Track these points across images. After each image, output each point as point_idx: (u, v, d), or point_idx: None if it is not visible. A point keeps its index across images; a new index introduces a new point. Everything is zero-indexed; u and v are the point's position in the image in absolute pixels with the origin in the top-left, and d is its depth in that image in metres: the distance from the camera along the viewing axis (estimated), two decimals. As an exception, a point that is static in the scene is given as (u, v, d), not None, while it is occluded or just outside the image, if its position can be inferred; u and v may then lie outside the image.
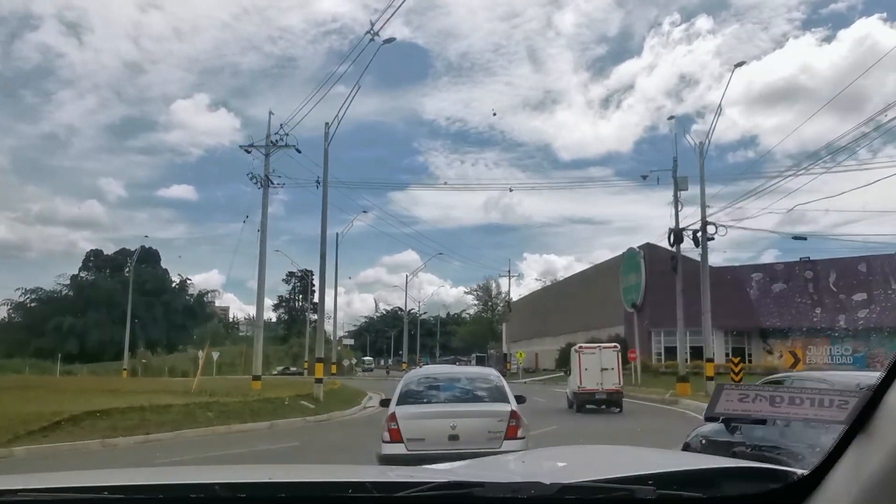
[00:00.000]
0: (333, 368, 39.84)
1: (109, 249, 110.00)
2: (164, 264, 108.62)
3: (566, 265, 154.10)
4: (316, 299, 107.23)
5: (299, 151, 26.49)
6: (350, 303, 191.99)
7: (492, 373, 9.56)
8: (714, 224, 24.81)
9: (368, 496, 1.54)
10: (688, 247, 30.78)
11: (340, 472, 1.99)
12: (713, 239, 24.96)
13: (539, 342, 74.33)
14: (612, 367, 24.69)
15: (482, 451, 6.30)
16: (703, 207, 26.00)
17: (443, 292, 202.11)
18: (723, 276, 46.54)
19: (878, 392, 1.20)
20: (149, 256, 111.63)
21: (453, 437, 7.57)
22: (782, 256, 59.90)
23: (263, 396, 21.27)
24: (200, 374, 25.10)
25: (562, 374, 61.49)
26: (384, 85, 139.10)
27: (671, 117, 28.41)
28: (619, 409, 24.05)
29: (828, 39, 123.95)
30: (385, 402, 9.30)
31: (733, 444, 6.08)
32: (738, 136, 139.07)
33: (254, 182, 26.58)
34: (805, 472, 1.38)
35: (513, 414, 7.84)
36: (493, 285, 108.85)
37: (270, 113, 26.92)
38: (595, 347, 26.60)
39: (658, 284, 49.49)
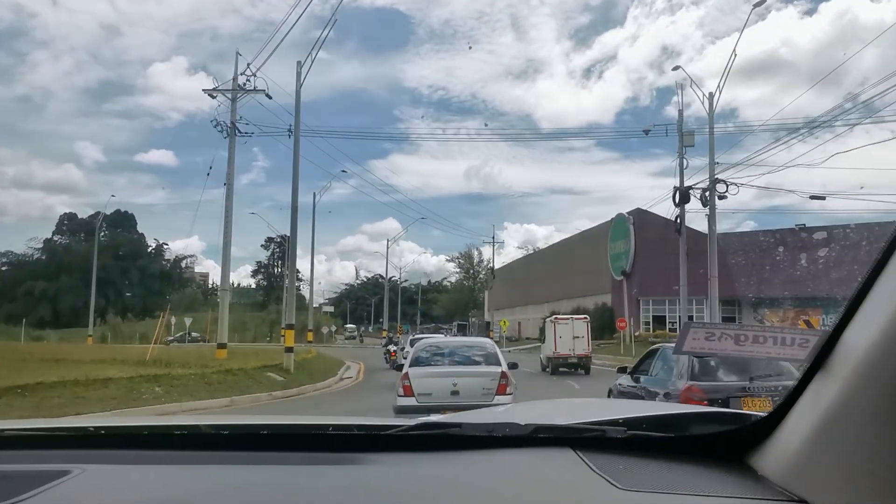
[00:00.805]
0: (310, 336, 37.31)
1: (87, 214, 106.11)
2: (142, 230, 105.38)
3: (546, 235, 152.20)
4: (298, 266, 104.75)
5: (269, 97, 23.60)
6: (331, 270, 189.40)
7: (487, 342, 11.32)
8: (725, 182, 22.24)
9: (349, 434, 1.61)
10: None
11: (325, 419, 1.82)
12: (726, 198, 22.45)
13: (522, 311, 72.18)
14: (583, 336, 28.35)
15: (477, 403, 7.92)
16: (712, 163, 23.48)
17: (423, 261, 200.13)
18: (706, 243, 44.53)
19: (837, 330, 1.22)
20: (124, 220, 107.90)
21: (454, 393, 9.13)
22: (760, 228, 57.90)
23: (225, 368, 18.65)
24: (158, 342, 22.42)
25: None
26: (365, 51, 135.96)
27: (676, 67, 25.40)
28: (586, 372, 27.38)
29: (809, 13, 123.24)
30: (398, 367, 11.89)
31: (636, 389, 9.49)
32: (718, 109, 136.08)
33: (219, 130, 23.66)
34: (766, 413, 1.42)
35: (502, 374, 9.48)
36: (475, 253, 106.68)
37: (238, 54, 23.91)
38: (568, 318, 30.08)
39: (647, 251, 47.30)
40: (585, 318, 30.88)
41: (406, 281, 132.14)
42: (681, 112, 25.56)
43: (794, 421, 1.28)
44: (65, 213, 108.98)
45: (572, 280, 59.16)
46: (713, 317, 26.32)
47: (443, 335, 35.48)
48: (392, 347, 30.47)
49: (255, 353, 27.66)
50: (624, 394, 10.10)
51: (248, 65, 22.42)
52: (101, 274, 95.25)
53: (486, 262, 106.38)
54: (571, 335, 27.98)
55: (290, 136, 22.26)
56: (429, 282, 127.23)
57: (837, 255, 42.09)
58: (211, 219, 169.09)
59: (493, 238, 64.61)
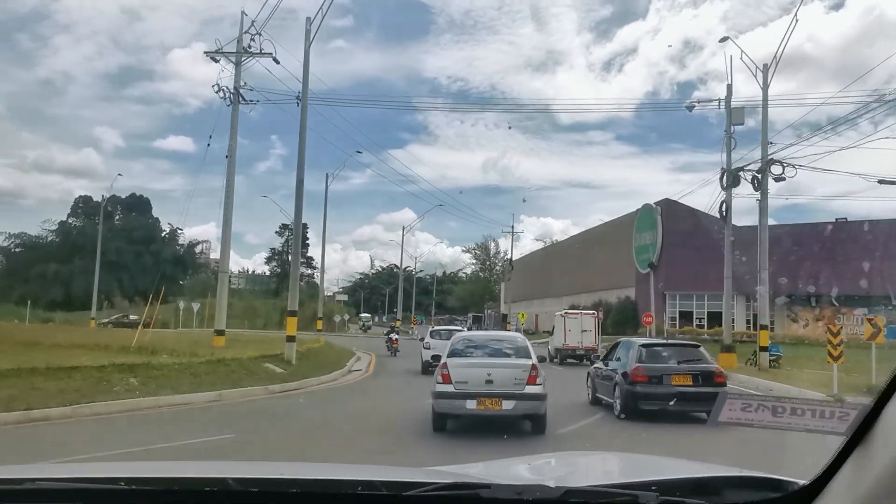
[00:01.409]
0: (319, 324, 35.11)
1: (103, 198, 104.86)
2: (159, 215, 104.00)
3: (562, 228, 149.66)
4: (311, 254, 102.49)
5: (277, 61, 21.23)
6: (346, 259, 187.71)
7: (518, 336, 11.70)
8: (780, 163, 19.62)
9: (378, 494, 1.58)
10: (702, 202, 25.74)
11: (348, 470, 1.90)
12: (784, 179, 19.77)
13: (539, 303, 69.64)
14: (590, 329, 30.11)
15: (510, 391, 9.55)
16: (765, 141, 20.83)
17: (439, 252, 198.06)
18: (742, 235, 41.75)
19: (878, 405, 1.20)
20: (139, 205, 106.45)
21: (489, 381, 9.66)
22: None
23: (217, 357, 16.38)
24: (146, 327, 20.22)
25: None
26: (385, 41, 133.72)
27: (724, 38, 22.70)
28: (591, 363, 28.47)
29: (836, 7, 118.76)
30: (436, 358, 14.83)
31: (606, 370, 13.09)
32: (739, 105, 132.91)
33: (222, 98, 21.35)
34: (805, 482, 1.42)
35: (533, 367, 9.93)
36: (492, 245, 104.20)
37: (243, 13, 21.56)
38: (577, 313, 32.62)
39: (675, 244, 44.63)
40: (593, 313, 33.29)
41: (421, 271, 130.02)
42: (729, 87, 23.00)
43: (834, 494, 1.27)
44: (80, 196, 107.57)
45: (594, 273, 56.57)
46: (762, 315, 23.63)
47: (459, 327, 34.05)
48: (394, 336, 30.86)
49: (259, 341, 25.45)
50: (598, 375, 13.74)
51: (252, 22, 20.06)
52: (114, 258, 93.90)
53: (502, 254, 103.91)
54: (580, 329, 29.92)
55: (298, 104, 19.90)
56: (444, 272, 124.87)
57: (882, 251, 39.29)
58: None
59: (512, 228, 62.02)
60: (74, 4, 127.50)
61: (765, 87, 21.05)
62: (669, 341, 17.44)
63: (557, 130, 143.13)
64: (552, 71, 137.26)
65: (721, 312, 43.85)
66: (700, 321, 43.40)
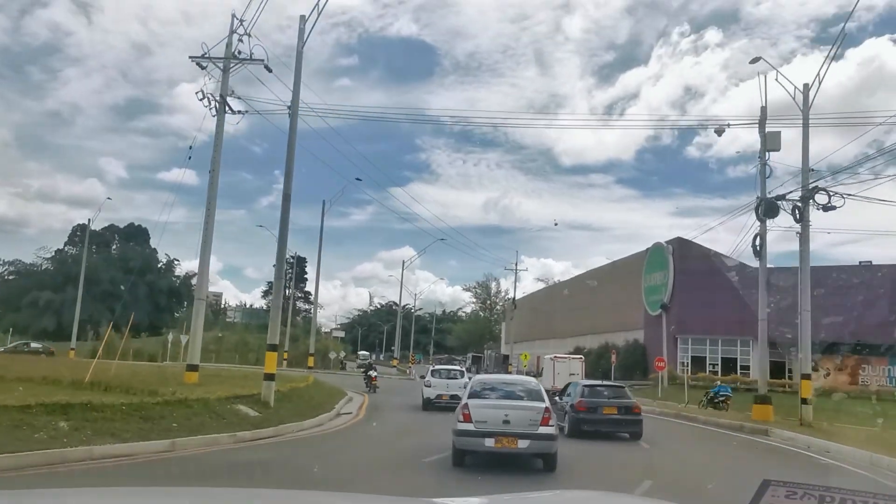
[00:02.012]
0: (311, 361, 32.46)
1: (102, 227, 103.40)
2: (162, 248, 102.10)
3: (563, 270, 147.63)
4: (309, 288, 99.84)
5: (269, 70, 19.03)
6: (346, 296, 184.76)
7: (531, 381, 12.65)
8: (826, 191, 17.22)
9: None
10: (720, 241, 23.31)
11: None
12: (833, 209, 17.27)
13: (542, 344, 66.81)
14: (577, 373, 32.24)
15: (525, 431, 10.17)
16: (806, 167, 18.36)
17: (439, 291, 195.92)
18: (754, 277, 39.27)
19: None
20: (137, 234, 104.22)
21: (506, 422, 10.25)
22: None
23: (179, 397, 13.74)
24: (99, 359, 17.63)
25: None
26: (390, 80, 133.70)
27: (756, 59, 20.43)
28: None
29: (836, 58, 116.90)
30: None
31: (561, 404, 17.23)
32: (740, 151, 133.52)
33: (206, 106, 19.09)
34: None
35: (546, 409, 10.61)
36: (493, 284, 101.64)
37: (234, 16, 19.42)
38: (566, 357, 36.49)
39: (688, 285, 42.14)
40: (580, 358, 37.01)
41: (420, 309, 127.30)
42: (764, 109, 20.55)
43: None
44: (78, 225, 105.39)
45: (600, 314, 53.94)
46: (804, 365, 20.96)
47: (458, 367, 32.72)
48: (373, 373, 29.75)
49: (241, 378, 22.76)
50: (556, 406, 14.56)
51: (241, 21, 17.85)
52: (107, 287, 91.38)
53: (503, 293, 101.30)
54: (568, 372, 31.96)
55: (289, 114, 17.61)
56: (443, 311, 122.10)
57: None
58: (228, 240, 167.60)
59: (516, 265, 59.42)
60: (87, 39, 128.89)
61: (805, 108, 18.75)
62: (604, 383, 20.01)
63: (559, 172, 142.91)
64: (554, 113, 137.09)
65: (735, 358, 41.20)
66: (714, 367, 40.64)
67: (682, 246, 42.71)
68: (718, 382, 32.11)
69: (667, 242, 44.21)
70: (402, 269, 59.05)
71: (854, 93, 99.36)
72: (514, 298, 61.78)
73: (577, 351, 55.95)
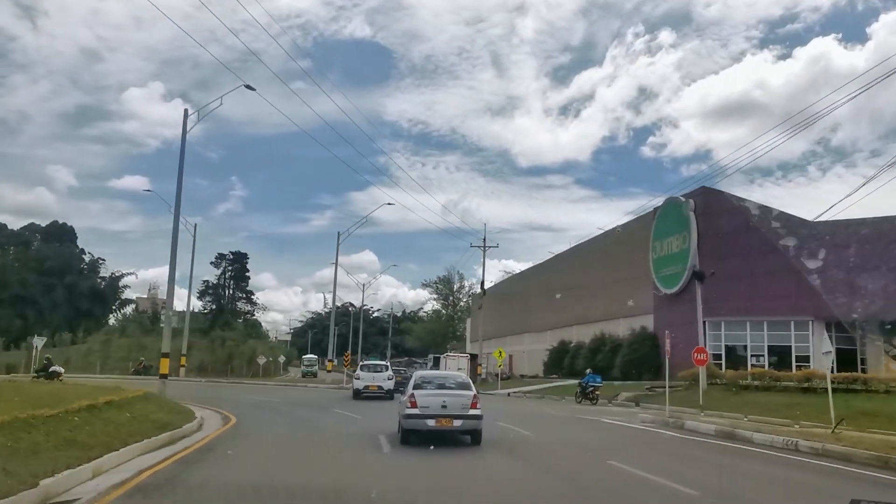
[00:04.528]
0: (164, 366, 19.80)
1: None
2: (116, 257, 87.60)
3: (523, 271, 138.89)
4: (252, 287, 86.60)
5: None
6: (307, 302, 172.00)
7: (462, 375, 15.79)
8: None
9: None
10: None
11: None
12: None
13: (515, 341, 54.69)
14: (464, 368, 36.96)
15: (459, 413, 11.76)
16: None
17: (401, 294, 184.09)
18: (810, 235, 28.00)
19: None
20: (62, 233, 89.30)
21: (444, 406, 11.80)
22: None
23: None
24: None
25: (555, 377, 42.25)
26: (347, 84, 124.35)
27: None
28: None
29: (783, 57, 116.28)
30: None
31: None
32: (692, 150, 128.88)
33: None
34: None
35: (474, 396, 12.17)
36: (456, 276, 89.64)
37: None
38: (455, 355, 43.46)
39: (719, 250, 30.51)
40: (467, 355, 43.21)
41: (378, 310, 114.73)
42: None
43: None
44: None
45: (590, 299, 42.03)
46: None
47: (384, 363, 33.11)
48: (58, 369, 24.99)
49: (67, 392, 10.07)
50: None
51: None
52: (19, 290, 76.71)
53: (467, 288, 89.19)
54: (456, 367, 35.30)
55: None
56: (403, 311, 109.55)
57: None
58: (185, 247, 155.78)
59: (484, 242, 47.04)
60: (32, 44, 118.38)
61: None
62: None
63: (517, 174, 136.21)
64: (510, 115, 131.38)
65: (789, 346, 29.53)
66: (758, 359, 28.97)
67: (707, 199, 31.08)
68: (589, 371, 28.75)
69: (684, 196, 32.45)
70: (338, 243, 46.27)
71: (802, 90, 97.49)
72: (482, 282, 49.34)
73: (562, 345, 44.10)
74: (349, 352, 65.05)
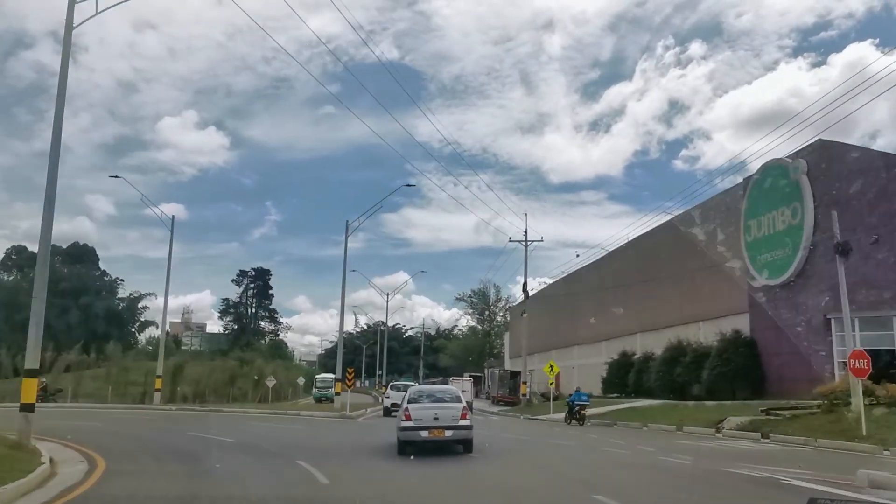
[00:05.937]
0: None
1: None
2: (153, 282, 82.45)
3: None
4: (274, 305, 79.75)
5: None
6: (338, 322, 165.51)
7: (453, 389, 15.87)
8: None
9: None
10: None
11: None
12: None
13: (562, 355, 46.55)
14: (468, 391, 36.18)
15: (450, 425, 12.63)
16: None
17: (436, 314, 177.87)
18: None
19: None
20: (83, 254, 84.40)
21: (436, 418, 12.67)
22: None
23: None
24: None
25: (617, 396, 34.28)
26: (378, 107, 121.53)
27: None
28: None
29: (818, 65, 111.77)
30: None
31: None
32: (725, 161, 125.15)
33: None
34: None
35: (464, 408, 13.10)
36: (492, 290, 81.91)
37: None
38: (460, 379, 44.08)
39: (846, 222, 22.75)
40: (469, 379, 44.41)
41: (411, 328, 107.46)
42: None
43: None
44: (12, 247, 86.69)
45: (657, 301, 34.08)
46: None
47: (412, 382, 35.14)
48: None
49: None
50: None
51: None
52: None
53: (504, 302, 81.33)
54: (461, 390, 30.44)
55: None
56: (437, 329, 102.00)
57: None
58: (223, 273, 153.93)
59: (526, 235, 39.30)
60: (72, 78, 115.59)
61: None
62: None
63: (549, 190, 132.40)
64: (540, 132, 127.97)
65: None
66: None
67: (825, 155, 23.14)
68: (577, 389, 26.05)
69: (791, 158, 24.45)
70: (346, 234, 39.30)
71: (838, 97, 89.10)
72: (524, 283, 41.21)
73: (624, 358, 36.08)
74: (395, 376, 59.00)
